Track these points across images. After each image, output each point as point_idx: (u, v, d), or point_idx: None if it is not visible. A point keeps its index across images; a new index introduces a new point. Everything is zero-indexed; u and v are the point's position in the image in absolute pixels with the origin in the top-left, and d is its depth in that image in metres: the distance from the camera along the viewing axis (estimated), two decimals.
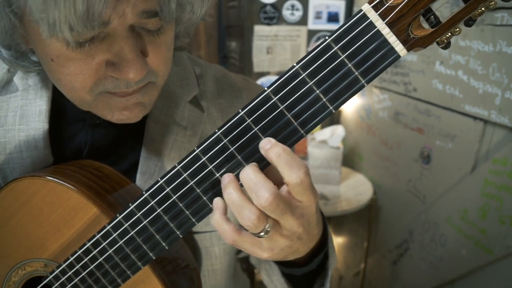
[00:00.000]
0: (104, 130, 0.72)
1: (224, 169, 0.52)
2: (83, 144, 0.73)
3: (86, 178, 0.67)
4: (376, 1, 0.46)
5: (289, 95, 0.49)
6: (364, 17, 0.46)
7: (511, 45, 1.49)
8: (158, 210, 0.56)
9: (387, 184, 2.40)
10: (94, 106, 0.61)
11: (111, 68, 0.54)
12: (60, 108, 0.72)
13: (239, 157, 0.52)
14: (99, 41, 0.52)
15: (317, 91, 0.49)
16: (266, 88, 0.50)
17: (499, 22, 1.50)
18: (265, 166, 0.51)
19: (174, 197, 0.55)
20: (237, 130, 0.51)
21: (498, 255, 1.64)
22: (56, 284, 0.65)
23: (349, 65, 0.48)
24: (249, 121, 0.50)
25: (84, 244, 0.61)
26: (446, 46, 0.53)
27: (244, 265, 1.15)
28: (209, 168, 0.53)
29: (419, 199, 2.12)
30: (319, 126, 1.71)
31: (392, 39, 0.47)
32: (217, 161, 0.52)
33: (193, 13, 0.59)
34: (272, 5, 2.45)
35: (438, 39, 0.50)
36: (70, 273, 0.64)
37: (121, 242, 0.59)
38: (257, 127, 0.50)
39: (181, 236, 0.57)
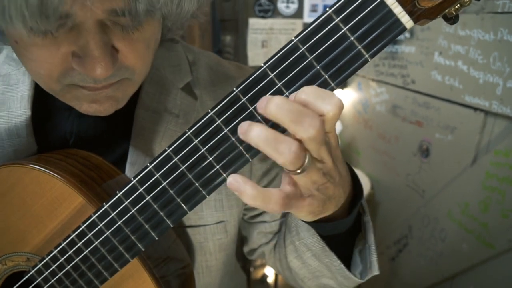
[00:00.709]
0: (91, 119, 0.68)
1: (218, 152, 0.49)
2: (68, 134, 0.69)
3: (72, 167, 0.63)
4: None
5: (286, 72, 0.45)
6: None
7: None
8: (147, 198, 0.52)
9: (385, 179, 2.38)
10: (62, 96, 0.57)
11: (77, 61, 0.50)
12: (45, 95, 0.68)
13: (234, 139, 0.48)
14: (67, 30, 0.48)
15: (317, 67, 0.45)
16: (262, 64, 0.46)
17: (500, 9, 1.47)
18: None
19: (164, 183, 0.51)
20: (232, 110, 0.47)
21: (500, 249, 1.62)
22: (39, 279, 0.61)
23: (351, 38, 0.44)
24: (244, 99, 0.47)
25: (69, 236, 0.58)
26: (454, 20, 0.51)
27: (240, 262, 1.12)
28: (201, 151, 0.49)
29: (418, 193, 2.10)
30: None
31: (397, 9, 0.43)
32: (211, 144, 0.49)
33: (181, 9, 0.56)
34: None
35: (446, 11, 0.46)
36: (53, 267, 0.60)
37: (107, 233, 0.56)
38: (253, 106, 0.47)
39: (171, 226, 0.54)
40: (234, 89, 0.47)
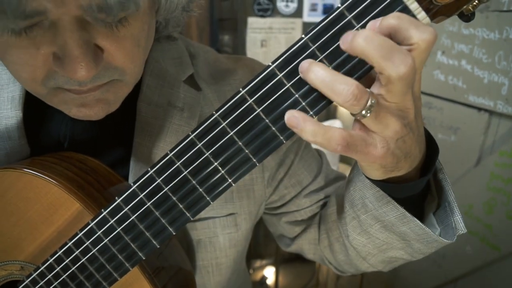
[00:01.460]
0: (87, 120, 0.66)
1: (223, 156, 0.46)
2: (63, 136, 0.67)
3: (67, 171, 0.60)
4: None
5: (296, 71, 0.43)
6: None
7: None
8: (148, 204, 0.50)
9: None
10: (49, 100, 0.55)
11: (58, 63, 0.48)
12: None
13: (240, 143, 0.46)
14: (44, 30, 0.46)
15: (329, 67, 0.42)
16: (270, 64, 0.43)
17: (506, 7, 1.46)
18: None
19: (166, 189, 0.49)
20: (238, 112, 0.45)
21: (505, 251, 1.61)
22: None
23: None
24: (251, 101, 0.44)
25: (65, 244, 0.55)
26: (470, 17, 0.49)
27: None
28: (206, 155, 0.47)
29: None
30: None
31: (413, 6, 0.41)
32: (215, 147, 0.46)
33: (171, 2, 0.53)
34: None
35: (464, 7, 0.45)
36: (49, 276, 0.57)
37: (106, 241, 0.53)
38: (260, 108, 0.44)
39: (174, 233, 0.51)
40: (240, 89, 0.44)
